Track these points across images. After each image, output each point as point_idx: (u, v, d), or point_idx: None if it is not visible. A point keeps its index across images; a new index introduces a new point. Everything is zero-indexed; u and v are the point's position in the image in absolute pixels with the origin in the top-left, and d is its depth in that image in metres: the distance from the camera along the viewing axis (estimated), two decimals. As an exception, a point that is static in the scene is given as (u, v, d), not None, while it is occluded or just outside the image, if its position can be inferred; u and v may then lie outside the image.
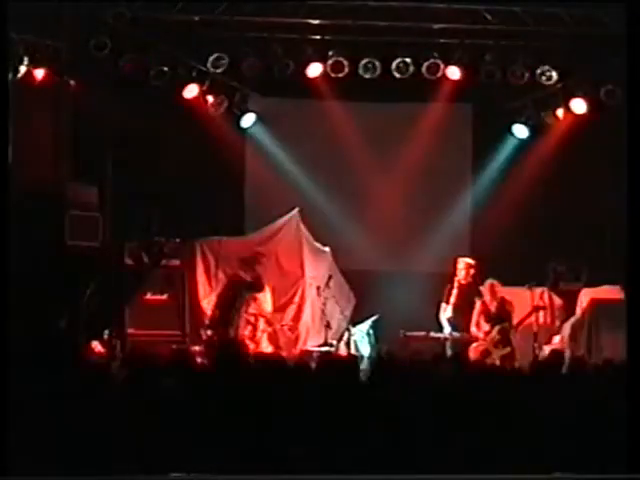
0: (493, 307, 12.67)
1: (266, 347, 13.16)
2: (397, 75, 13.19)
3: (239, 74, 13.42)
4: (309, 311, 14.05)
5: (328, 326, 13.62)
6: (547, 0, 12.58)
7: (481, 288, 12.80)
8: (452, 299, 12.69)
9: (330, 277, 13.87)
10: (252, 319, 13.41)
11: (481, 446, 5.35)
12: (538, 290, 13.68)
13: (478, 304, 12.69)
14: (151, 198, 13.63)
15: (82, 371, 6.85)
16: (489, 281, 12.80)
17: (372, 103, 14.46)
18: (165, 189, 13.88)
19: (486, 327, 12.61)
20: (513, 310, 12.83)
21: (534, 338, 12.83)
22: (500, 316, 12.61)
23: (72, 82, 12.48)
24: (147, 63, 12.93)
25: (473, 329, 12.64)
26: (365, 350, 13.24)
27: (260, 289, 13.27)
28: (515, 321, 12.78)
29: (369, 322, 13.44)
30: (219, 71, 13.25)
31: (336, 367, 6.39)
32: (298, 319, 14.04)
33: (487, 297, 12.70)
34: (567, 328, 12.75)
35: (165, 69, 13.03)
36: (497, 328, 12.49)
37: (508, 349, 12.26)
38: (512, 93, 13.99)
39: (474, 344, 12.32)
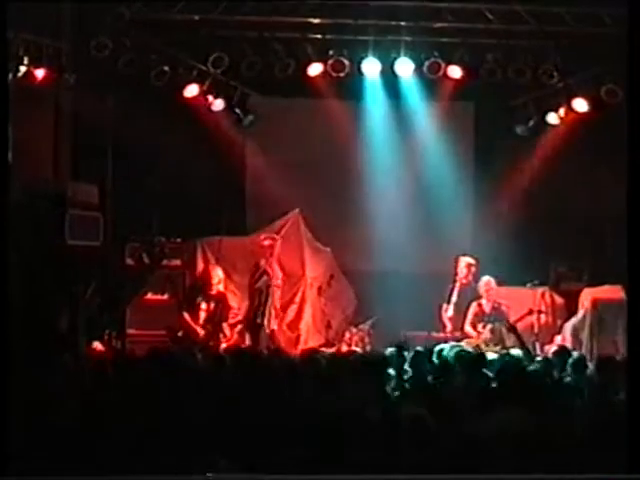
0: (487, 307, 12.71)
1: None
2: (398, 74, 13.21)
3: (239, 74, 13.42)
4: (310, 311, 14.05)
5: (329, 326, 13.63)
6: (548, -1, 12.60)
7: (476, 285, 12.83)
8: (454, 298, 12.70)
9: (331, 277, 13.88)
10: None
11: (481, 447, 5.34)
12: (539, 290, 13.68)
13: (474, 304, 12.72)
14: (151, 198, 13.64)
15: (82, 371, 6.85)
16: (484, 278, 12.82)
17: (372, 102, 14.45)
18: (165, 189, 13.87)
19: (479, 326, 12.65)
20: (508, 310, 12.82)
21: (535, 338, 12.86)
22: (493, 316, 12.63)
23: (72, 82, 12.48)
24: (147, 63, 12.93)
25: (467, 328, 12.66)
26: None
27: None
28: (512, 320, 12.79)
29: (369, 322, 13.43)
30: (219, 71, 13.25)
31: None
32: (299, 319, 14.04)
33: (482, 295, 12.74)
34: (568, 328, 12.75)
35: (165, 69, 13.02)
36: (489, 327, 12.51)
37: (498, 348, 12.22)
38: (513, 92, 13.99)
39: (464, 341, 12.30)
